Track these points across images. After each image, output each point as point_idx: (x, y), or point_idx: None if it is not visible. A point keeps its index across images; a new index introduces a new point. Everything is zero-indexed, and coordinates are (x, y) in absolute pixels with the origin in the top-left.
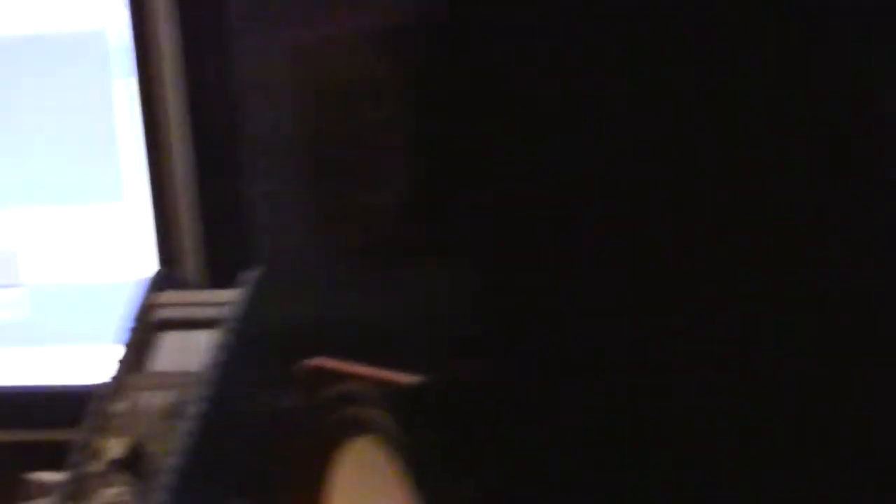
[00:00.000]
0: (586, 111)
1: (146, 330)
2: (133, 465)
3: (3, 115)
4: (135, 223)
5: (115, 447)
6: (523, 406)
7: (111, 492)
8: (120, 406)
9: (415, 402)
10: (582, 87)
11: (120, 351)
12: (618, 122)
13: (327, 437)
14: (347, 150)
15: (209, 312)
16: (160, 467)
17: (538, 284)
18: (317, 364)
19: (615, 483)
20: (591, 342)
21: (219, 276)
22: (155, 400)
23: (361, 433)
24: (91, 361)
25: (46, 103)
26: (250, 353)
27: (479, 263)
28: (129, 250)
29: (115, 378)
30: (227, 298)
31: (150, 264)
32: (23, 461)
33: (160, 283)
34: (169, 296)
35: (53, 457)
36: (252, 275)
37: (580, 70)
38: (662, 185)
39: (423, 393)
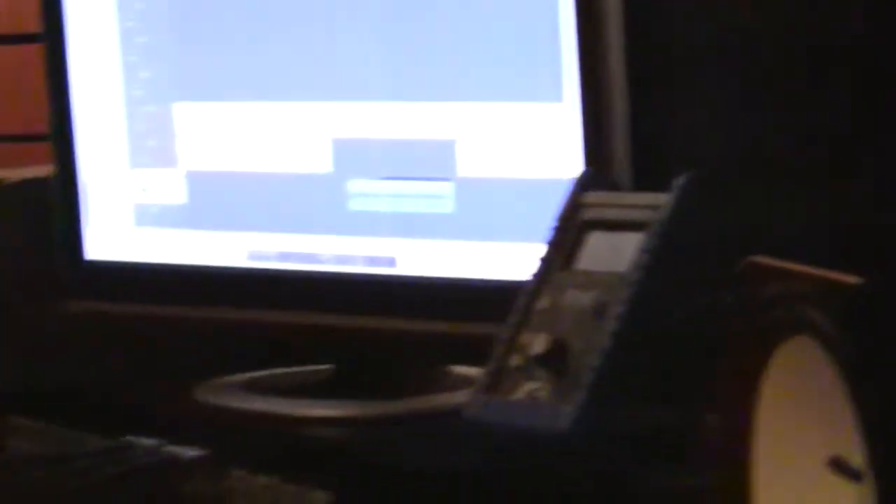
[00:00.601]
0: None
1: (571, 229)
2: (553, 361)
3: (451, 11)
4: (570, 123)
5: (536, 343)
6: None
7: (530, 386)
8: (542, 303)
9: (856, 303)
10: None
11: (544, 248)
12: None
13: (764, 335)
14: (789, 57)
15: (636, 215)
16: (580, 365)
17: None
18: (756, 261)
19: None
20: None
21: (648, 180)
22: (578, 298)
23: (799, 333)
24: (516, 257)
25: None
26: (677, 258)
27: None
28: (562, 149)
29: (538, 275)
30: (655, 202)
31: (579, 164)
32: (444, 353)
33: (588, 183)
34: (597, 196)
35: (474, 350)
36: (682, 179)
37: None
38: None
39: (866, 294)
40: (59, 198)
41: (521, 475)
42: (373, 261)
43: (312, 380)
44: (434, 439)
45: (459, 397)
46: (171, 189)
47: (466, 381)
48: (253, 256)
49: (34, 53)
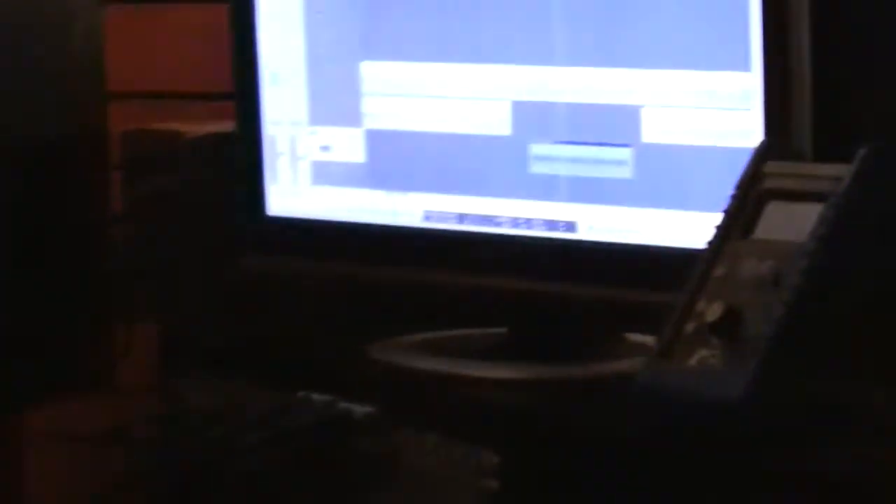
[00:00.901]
0: None
1: (750, 198)
2: (727, 329)
3: None
4: (757, 92)
5: (711, 311)
6: None
7: (703, 354)
8: (719, 271)
9: None
10: None
11: (722, 217)
12: None
13: None
14: None
15: (817, 185)
16: (754, 334)
17: None
18: None
19: None
20: None
21: (829, 151)
22: (754, 268)
23: None
24: (694, 225)
25: None
26: (856, 229)
27: None
28: (746, 118)
29: (715, 243)
30: (836, 173)
31: (761, 134)
32: (620, 319)
33: (769, 152)
34: (777, 166)
35: (648, 317)
36: (864, 150)
37: None
38: None
39: None
40: (241, 154)
41: (691, 442)
42: (552, 225)
43: (486, 342)
44: (606, 405)
45: (633, 364)
46: (350, 148)
47: (641, 349)
48: (429, 217)
49: (221, 13)
